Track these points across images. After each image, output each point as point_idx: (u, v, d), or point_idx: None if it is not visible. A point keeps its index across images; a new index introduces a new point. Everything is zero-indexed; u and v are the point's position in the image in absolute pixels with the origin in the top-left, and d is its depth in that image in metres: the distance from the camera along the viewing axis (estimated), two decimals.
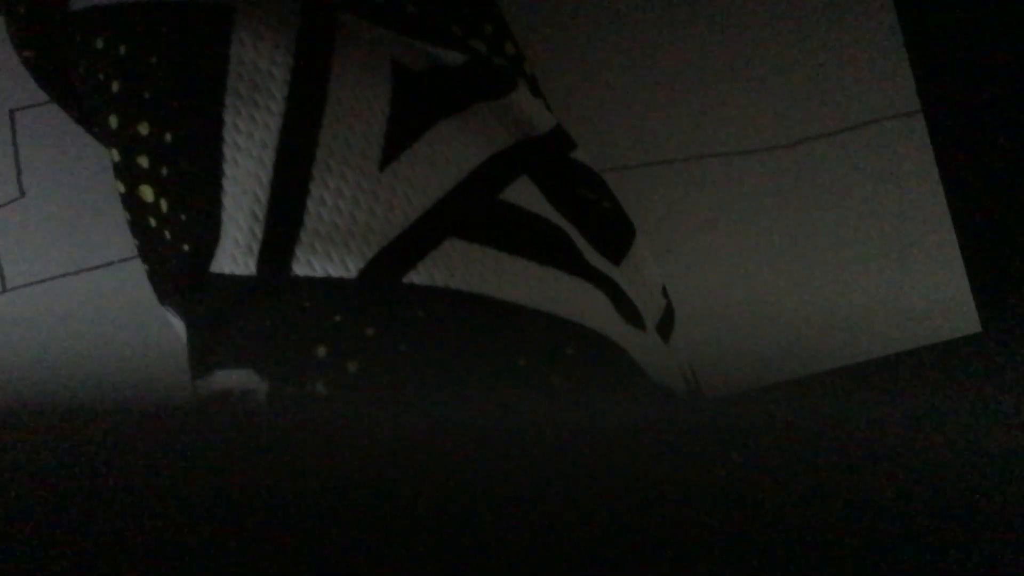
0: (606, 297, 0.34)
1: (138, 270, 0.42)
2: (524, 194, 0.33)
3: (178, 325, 0.34)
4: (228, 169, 0.31)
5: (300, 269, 0.30)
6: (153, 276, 0.33)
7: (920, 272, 0.44)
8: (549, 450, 0.16)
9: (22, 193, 0.42)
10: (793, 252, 0.44)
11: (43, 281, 0.42)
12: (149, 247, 0.33)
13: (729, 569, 0.14)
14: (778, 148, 0.44)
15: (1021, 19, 0.44)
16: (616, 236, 0.36)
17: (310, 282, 0.30)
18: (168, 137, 0.31)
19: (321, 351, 0.29)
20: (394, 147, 0.31)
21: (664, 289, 0.39)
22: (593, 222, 0.36)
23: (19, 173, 0.42)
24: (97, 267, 0.42)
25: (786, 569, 0.14)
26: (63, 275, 0.42)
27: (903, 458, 0.16)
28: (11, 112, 0.41)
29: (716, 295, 0.43)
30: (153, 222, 0.32)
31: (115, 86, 0.31)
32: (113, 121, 0.31)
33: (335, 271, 0.30)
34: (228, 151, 0.31)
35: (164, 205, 0.31)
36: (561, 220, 0.34)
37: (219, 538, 0.14)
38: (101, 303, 0.41)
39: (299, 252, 0.30)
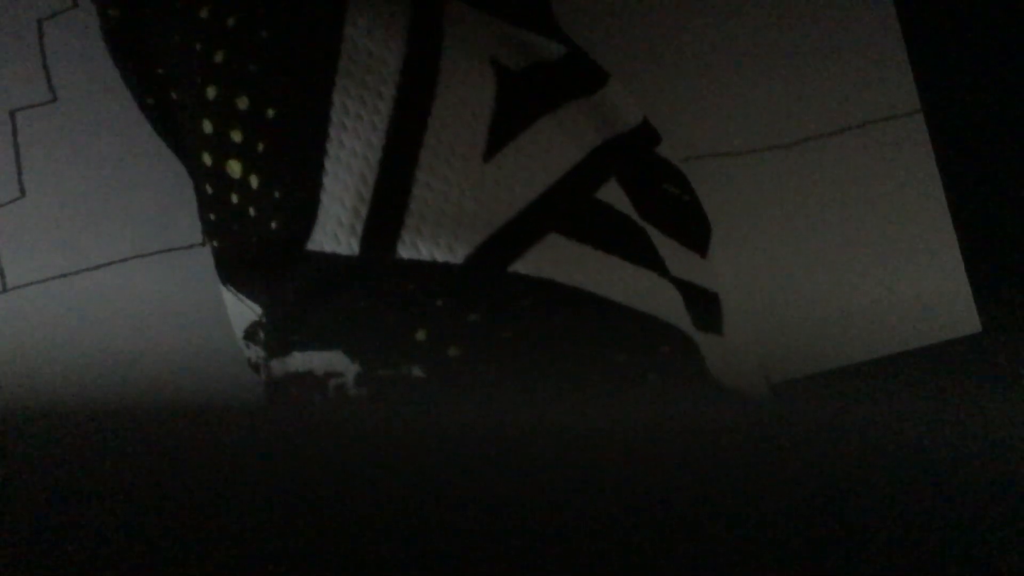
0: (682, 301, 0.34)
1: (138, 270, 0.42)
2: (614, 196, 0.34)
3: (234, 308, 0.34)
4: (332, 149, 0.31)
5: (405, 252, 0.30)
6: (222, 254, 0.33)
7: (920, 272, 0.44)
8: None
9: (22, 193, 0.42)
10: (793, 252, 0.44)
11: (43, 281, 0.42)
12: (225, 224, 0.33)
13: (724, 568, 0.14)
14: (778, 148, 0.44)
15: (1021, 19, 0.44)
16: (699, 229, 0.37)
17: (415, 265, 0.30)
18: (270, 112, 0.31)
19: (421, 335, 0.30)
20: (498, 140, 0.32)
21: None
22: (679, 217, 0.36)
23: (19, 173, 0.42)
24: (97, 267, 0.42)
25: (784, 569, 0.14)
26: (63, 275, 0.42)
27: (902, 458, 0.16)
28: (11, 112, 0.42)
29: None
30: (236, 198, 0.32)
31: (218, 56, 0.31)
32: (211, 93, 0.31)
33: (441, 256, 0.30)
34: (334, 131, 0.31)
35: (254, 181, 0.31)
36: (644, 223, 0.34)
37: (221, 540, 0.14)
38: (101, 303, 0.42)
39: (405, 235, 0.30)
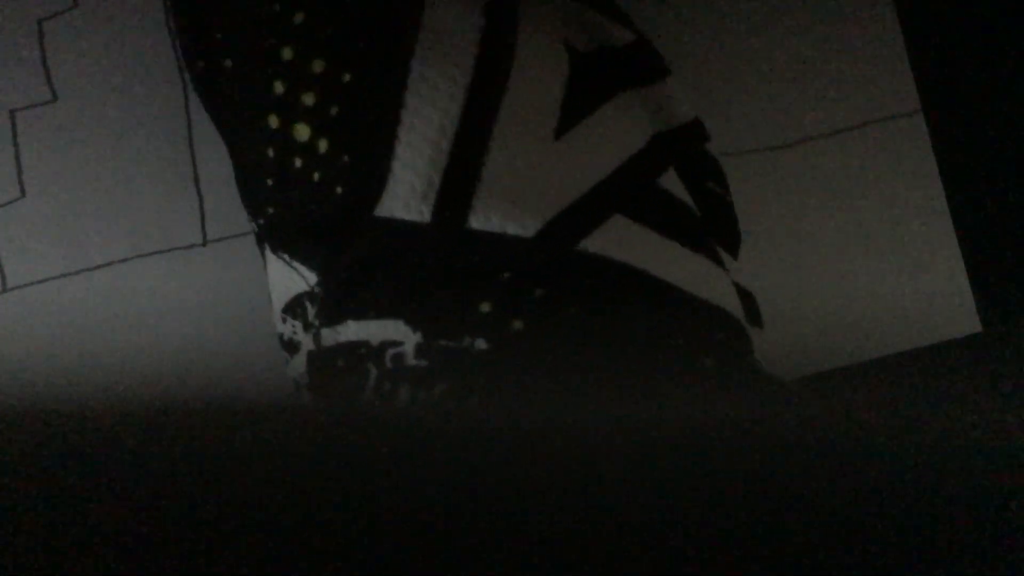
0: (735, 291, 0.35)
1: (138, 270, 0.42)
2: (674, 184, 0.34)
3: (281, 279, 0.34)
4: (407, 117, 0.31)
5: (477, 222, 0.30)
6: (277, 220, 0.33)
7: (920, 272, 0.44)
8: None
9: (22, 193, 0.42)
10: (792, 252, 0.44)
11: (43, 281, 0.42)
12: (284, 189, 0.33)
13: (724, 567, 0.14)
14: (778, 148, 0.44)
15: (1021, 19, 0.44)
16: (734, 231, 0.38)
17: (485, 236, 0.30)
18: (347, 77, 0.31)
19: (485, 307, 0.30)
20: (568, 119, 0.32)
21: None
22: (719, 217, 0.36)
23: (19, 173, 0.42)
24: (97, 267, 0.42)
25: (783, 568, 0.14)
26: (63, 275, 0.42)
27: (902, 458, 0.16)
28: (11, 112, 0.42)
29: None
30: (299, 162, 0.32)
31: (298, 18, 0.31)
32: (287, 53, 0.31)
33: (513, 228, 0.30)
34: (411, 99, 0.31)
35: (323, 145, 0.31)
36: (699, 213, 0.35)
37: (222, 540, 0.14)
38: (101, 303, 0.42)
39: (478, 205, 0.31)
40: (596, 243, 0.31)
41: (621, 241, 0.31)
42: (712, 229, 0.36)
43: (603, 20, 0.34)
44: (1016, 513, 0.15)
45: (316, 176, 0.32)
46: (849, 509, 0.15)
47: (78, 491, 0.15)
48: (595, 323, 0.30)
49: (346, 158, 0.31)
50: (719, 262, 0.34)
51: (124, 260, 0.42)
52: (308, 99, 0.31)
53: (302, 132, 0.32)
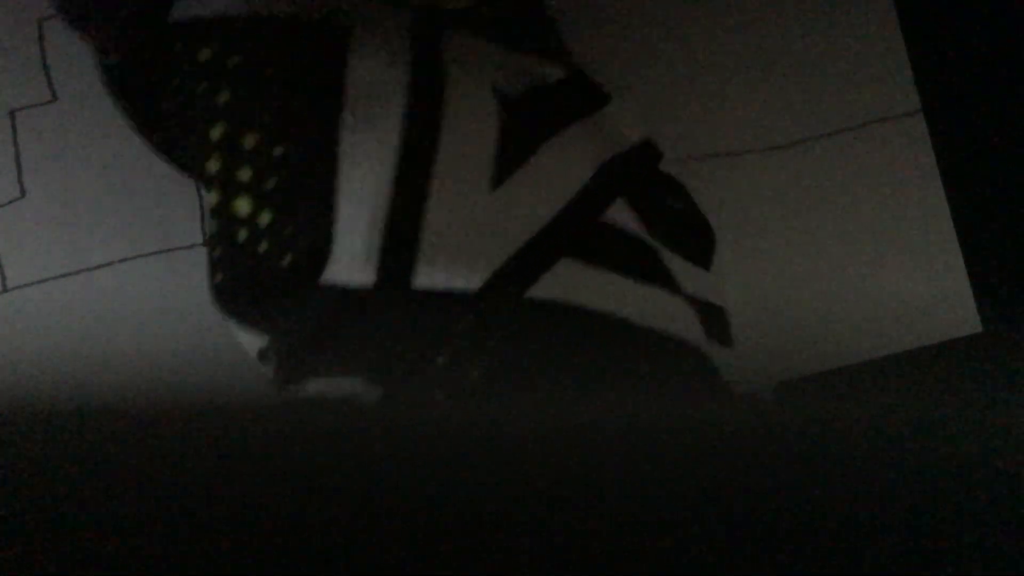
0: (695, 315, 0.35)
1: (138, 270, 0.42)
2: (622, 215, 0.34)
3: (242, 336, 0.35)
4: (343, 183, 0.31)
5: (422, 280, 0.31)
6: (225, 287, 0.34)
7: (920, 272, 0.44)
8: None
9: (22, 193, 0.42)
10: (793, 252, 0.44)
11: (43, 281, 0.42)
12: (232, 259, 0.33)
13: (726, 566, 0.14)
14: (778, 148, 0.44)
15: (1021, 19, 0.44)
16: (703, 242, 0.38)
17: (430, 294, 0.31)
18: (279, 150, 0.31)
19: (442, 359, 0.30)
20: (503, 170, 0.32)
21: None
22: (682, 232, 0.36)
23: (19, 173, 0.42)
24: (97, 267, 0.42)
25: (784, 567, 0.14)
26: (63, 275, 0.42)
27: (902, 457, 0.16)
28: (11, 112, 0.42)
29: None
30: (244, 235, 0.32)
31: (222, 97, 0.31)
32: (216, 132, 0.32)
33: (458, 283, 0.31)
34: (344, 164, 0.31)
35: (266, 218, 0.32)
36: (653, 240, 0.35)
37: (221, 538, 0.14)
38: (101, 303, 0.42)
39: (420, 264, 0.31)
40: (544, 289, 0.31)
41: (570, 284, 0.32)
42: (677, 246, 0.36)
43: (531, 61, 0.34)
44: (1016, 512, 0.15)
45: (263, 247, 0.32)
46: (849, 507, 0.15)
47: (78, 490, 0.15)
48: (548, 367, 0.30)
49: (289, 228, 0.31)
50: (674, 288, 0.34)
51: (124, 260, 0.42)
52: (244, 174, 0.32)
53: (242, 206, 0.32)
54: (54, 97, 0.42)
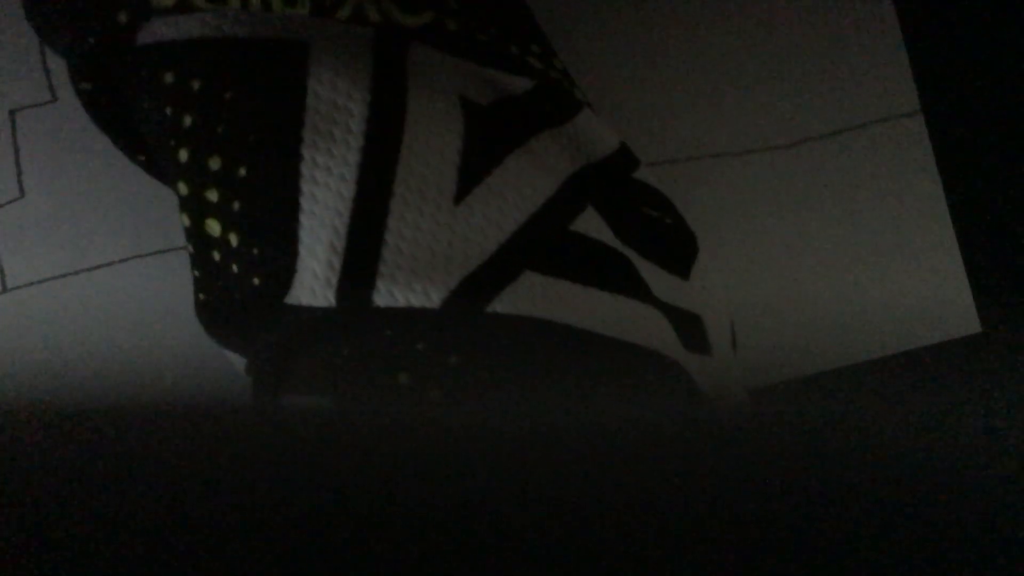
0: (669, 324, 0.34)
1: (138, 270, 0.42)
2: (592, 224, 0.34)
3: (229, 355, 0.35)
4: (305, 203, 0.31)
5: (381, 300, 0.31)
6: (207, 307, 0.33)
7: (920, 272, 0.44)
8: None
9: (22, 193, 0.42)
10: (792, 252, 0.44)
11: (43, 281, 0.42)
12: (210, 280, 0.33)
13: (724, 569, 0.14)
14: (778, 148, 0.44)
15: (1021, 19, 0.44)
16: (681, 251, 0.37)
17: (391, 312, 0.31)
18: (242, 171, 0.31)
19: (403, 378, 0.30)
20: (467, 181, 0.32)
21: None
22: (658, 241, 0.36)
23: (19, 173, 0.42)
24: (97, 267, 0.42)
25: (783, 569, 0.14)
26: (63, 275, 0.42)
27: (902, 458, 0.16)
28: (11, 112, 0.42)
29: None
30: (217, 256, 0.32)
31: (186, 120, 0.31)
32: (183, 155, 0.32)
33: (417, 301, 0.30)
34: (305, 185, 0.31)
35: (234, 239, 0.32)
36: (625, 248, 0.34)
37: (224, 542, 0.14)
38: (101, 303, 0.42)
39: (380, 283, 0.31)
40: (506, 303, 0.31)
41: (533, 298, 0.31)
42: (651, 255, 0.35)
43: (498, 75, 0.33)
44: (1016, 513, 0.15)
45: (235, 268, 0.32)
46: (848, 509, 0.15)
47: (78, 491, 0.15)
48: (512, 384, 0.30)
49: (256, 250, 0.31)
50: (647, 297, 0.34)
51: (124, 260, 0.42)
52: (212, 196, 0.31)
53: (214, 227, 0.32)
54: (54, 97, 0.42)
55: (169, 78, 0.31)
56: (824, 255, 0.44)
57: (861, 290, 0.44)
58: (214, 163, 0.31)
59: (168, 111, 0.32)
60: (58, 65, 0.42)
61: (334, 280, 0.31)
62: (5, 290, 0.41)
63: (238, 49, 0.31)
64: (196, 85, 0.31)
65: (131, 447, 0.16)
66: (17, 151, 0.42)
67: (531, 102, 0.34)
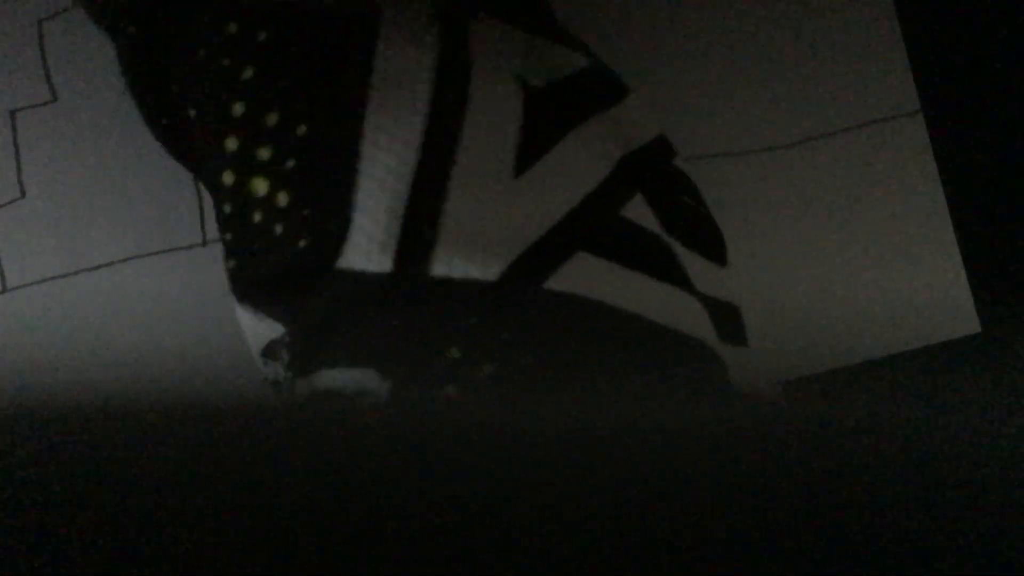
0: (707, 315, 0.34)
1: (138, 270, 0.42)
2: (639, 211, 0.34)
3: (252, 327, 0.34)
4: (365, 166, 0.30)
5: (439, 269, 0.30)
6: (240, 273, 0.33)
7: (920, 272, 0.44)
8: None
9: (22, 193, 0.42)
10: (792, 253, 0.44)
11: (43, 281, 0.42)
12: (246, 242, 0.32)
13: (725, 569, 0.14)
14: (778, 148, 0.44)
15: (1021, 19, 0.44)
16: (716, 238, 0.37)
17: (448, 282, 0.30)
18: (302, 129, 0.31)
19: (455, 352, 0.29)
20: (527, 158, 0.32)
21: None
22: (697, 229, 0.36)
23: (19, 173, 0.42)
24: (97, 267, 0.42)
25: (783, 569, 0.14)
26: (63, 275, 0.42)
27: (902, 459, 0.16)
28: (11, 112, 0.42)
29: None
30: (259, 216, 0.31)
31: (247, 73, 0.31)
32: (238, 109, 0.31)
33: (476, 273, 0.30)
34: (367, 148, 0.30)
35: (283, 199, 0.31)
36: (669, 237, 0.35)
37: (223, 541, 0.14)
38: (101, 303, 0.42)
39: (440, 251, 0.30)
40: (560, 281, 0.31)
41: (586, 277, 0.31)
42: (692, 243, 0.35)
43: (554, 47, 0.33)
44: (1016, 513, 0.15)
45: (278, 229, 0.31)
46: (847, 510, 0.15)
47: (78, 491, 0.15)
48: (562, 361, 0.30)
49: (307, 211, 0.31)
50: (688, 287, 0.34)
51: (124, 260, 0.42)
52: (264, 153, 0.31)
53: (260, 186, 0.31)
54: (54, 97, 0.42)
55: (233, 28, 0.31)
56: (824, 255, 0.44)
57: (861, 290, 0.44)
58: (271, 119, 0.31)
59: (226, 62, 0.31)
60: (58, 65, 0.42)
61: (392, 245, 0.30)
62: (5, 290, 0.41)
63: (308, 8, 0.31)
64: (262, 37, 0.31)
65: (131, 447, 0.16)
66: (17, 151, 0.42)
67: (584, 83, 0.34)
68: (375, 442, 0.17)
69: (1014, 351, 0.44)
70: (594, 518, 0.14)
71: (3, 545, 0.13)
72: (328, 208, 0.31)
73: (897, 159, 0.44)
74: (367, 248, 0.30)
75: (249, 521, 0.14)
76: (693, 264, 0.35)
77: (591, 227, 0.32)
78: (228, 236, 0.33)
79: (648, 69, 0.44)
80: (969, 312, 0.44)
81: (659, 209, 0.35)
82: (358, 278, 0.30)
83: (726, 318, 0.36)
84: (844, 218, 0.44)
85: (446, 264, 0.30)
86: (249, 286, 0.33)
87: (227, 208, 0.32)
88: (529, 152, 0.32)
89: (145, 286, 0.42)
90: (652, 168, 0.36)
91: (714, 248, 0.36)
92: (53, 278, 0.42)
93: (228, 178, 0.32)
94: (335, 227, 0.31)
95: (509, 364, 0.29)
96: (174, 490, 0.15)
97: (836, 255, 0.44)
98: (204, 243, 0.42)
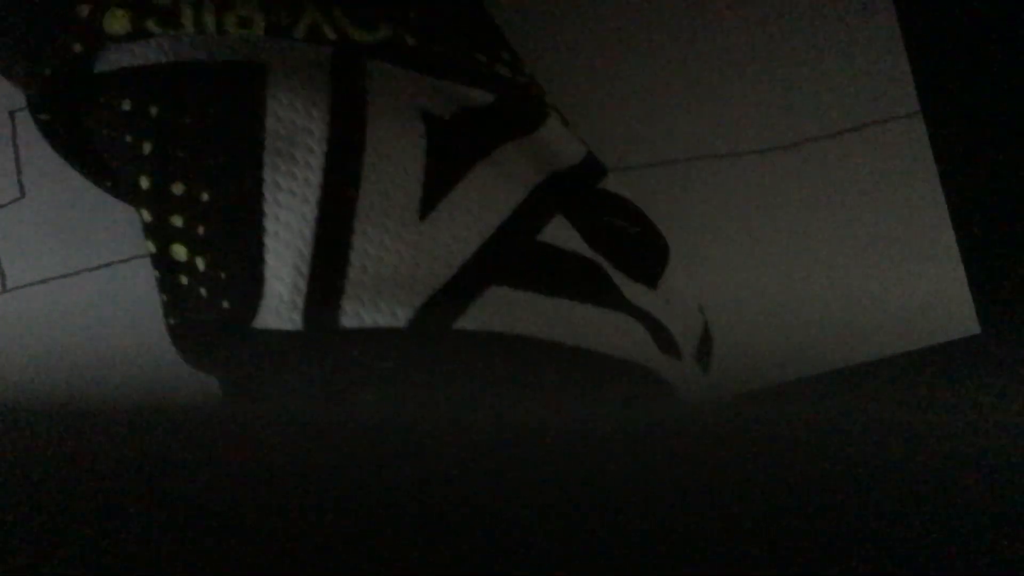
0: (644, 329, 0.34)
1: (138, 270, 0.42)
2: (560, 233, 0.33)
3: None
4: (269, 225, 0.30)
5: (348, 321, 0.30)
6: (179, 330, 0.33)
7: (920, 272, 0.44)
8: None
9: (22, 193, 0.42)
10: (792, 253, 0.44)
11: (43, 281, 0.42)
12: (179, 304, 0.33)
13: (725, 569, 0.14)
14: (778, 148, 0.44)
15: (1021, 19, 0.44)
16: (649, 260, 0.37)
17: (359, 333, 0.30)
18: (205, 196, 0.31)
19: (370, 397, 0.30)
20: (432, 196, 0.31)
21: (701, 308, 0.40)
22: (625, 250, 0.36)
23: (19, 173, 0.42)
24: (97, 267, 0.42)
25: (781, 570, 0.14)
26: (63, 275, 0.42)
27: (902, 459, 0.16)
28: (11, 112, 0.42)
29: (715, 296, 0.43)
30: (185, 280, 0.32)
31: (146, 147, 0.31)
32: (144, 182, 0.31)
33: (384, 321, 0.30)
34: (269, 207, 0.30)
35: (201, 264, 0.31)
36: (596, 255, 0.34)
37: (223, 541, 0.14)
38: (101, 303, 0.42)
39: (346, 304, 0.30)
40: (472, 320, 0.30)
41: (500, 312, 0.31)
42: (620, 263, 0.35)
43: (457, 87, 0.33)
44: (1016, 513, 0.15)
45: (203, 292, 0.32)
46: (847, 510, 0.15)
47: (78, 491, 0.15)
48: (480, 400, 0.30)
49: (223, 274, 0.31)
50: (620, 303, 0.33)
51: (124, 260, 0.42)
52: (177, 221, 0.31)
53: (180, 252, 0.32)
54: None
55: (127, 105, 0.31)
56: (823, 255, 0.44)
57: (861, 290, 0.44)
58: (177, 188, 0.31)
59: (128, 139, 0.31)
60: None
61: (300, 303, 0.30)
62: (5, 290, 0.41)
63: (195, 73, 0.31)
64: (154, 111, 0.31)
65: (131, 447, 0.16)
66: (17, 151, 0.42)
67: (494, 113, 0.33)
68: (376, 446, 0.17)
69: (1014, 351, 0.44)
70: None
71: (3, 544, 0.13)
72: (241, 270, 0.31)
73: (896, 160, 0.44)
74: (277, 307, 0.31)
75: (244, 518, 0.14)
76: (621, 280, 0.35)
77: (505, 258, 0.32)
78: (164, 297, 0.33)
79: (647, 70, 0.44)
80: (968, 313, 0.44)
81: (585, 228, 0.34)
82: (273, 337, 0.31)
83: (661, 332, 0.35)
84: (844, 219, 0.44)
85: (354, 315, 0.30)
86: (183, 345, 0.33)
87: (157, 273, 0.33)
88: (435, 190, 0.31)
89: (145, 286, 0.42)
90: (575, 190, 0.35)
91: (645, 269, 0.36)
92: (53, 278, 0.42)
93: (151, 246, 0.32)
94: (250, 288, 0.31)
95: (425, 408, 0.29)
96: (175, 487, 0.15)
97: (836, 256, 0.44)
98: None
